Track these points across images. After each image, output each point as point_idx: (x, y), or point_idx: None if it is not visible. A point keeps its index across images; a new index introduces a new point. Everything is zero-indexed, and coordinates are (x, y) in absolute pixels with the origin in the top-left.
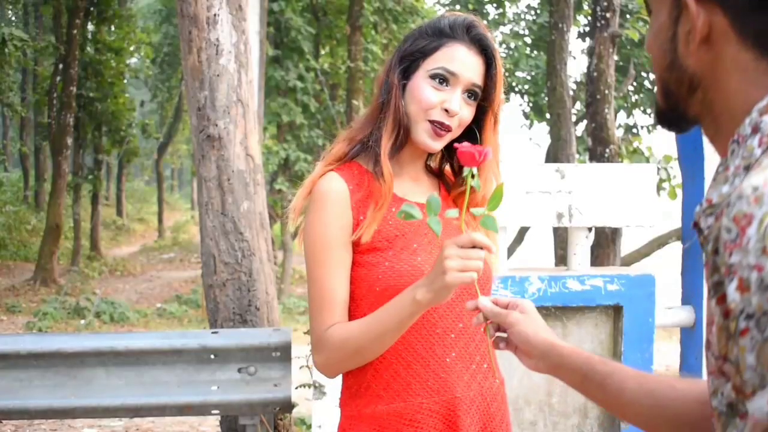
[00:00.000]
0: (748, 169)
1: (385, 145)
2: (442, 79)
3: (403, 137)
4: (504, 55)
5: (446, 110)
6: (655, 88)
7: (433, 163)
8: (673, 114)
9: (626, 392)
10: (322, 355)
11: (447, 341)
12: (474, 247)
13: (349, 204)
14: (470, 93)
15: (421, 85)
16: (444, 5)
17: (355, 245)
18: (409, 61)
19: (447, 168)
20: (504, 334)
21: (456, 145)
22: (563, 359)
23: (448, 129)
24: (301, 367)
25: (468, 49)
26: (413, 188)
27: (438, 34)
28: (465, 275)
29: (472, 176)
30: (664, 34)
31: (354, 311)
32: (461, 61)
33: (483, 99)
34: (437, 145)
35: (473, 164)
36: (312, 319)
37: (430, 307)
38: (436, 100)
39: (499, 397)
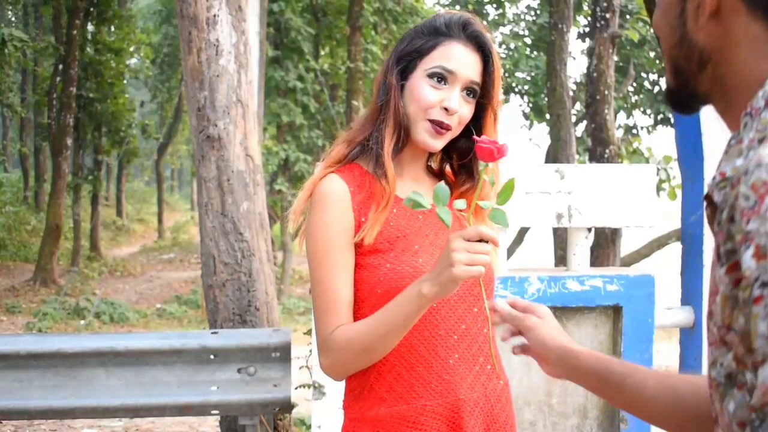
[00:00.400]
0: (762, 141)
1: (388, 146)
2: (440, 77)
3: (404, 138)
4: (504, 55)
5: (446, 109)
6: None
7: (434, 164)
8: (684, 91)
9: (647, 390)
10: (329, 357)
11: (450, 343)
12: (480, 240)
13: (350, 205)
14: (469, 90)
15: (420, 85)
16: (444, 6)
17: (357, 247)
18: (406, 62)
19: (447, 168)
20: (522, 339)
21: (475, 137)
22: (580, 362)
23: (447, 128)
24: (300, 368)
25: (465, 46)
26: (414, 189)
27: (434, 33)
28: (473, 269)
29: (487, 171)
30: (673, 10)
31: (356, 314)
32: (458, 59)
33: (481, 96)
34: (438, 144)
35: (491, 159)
36: (317, 321)
37: (436, 300)
38: (435, 99)
39: (503, 398)
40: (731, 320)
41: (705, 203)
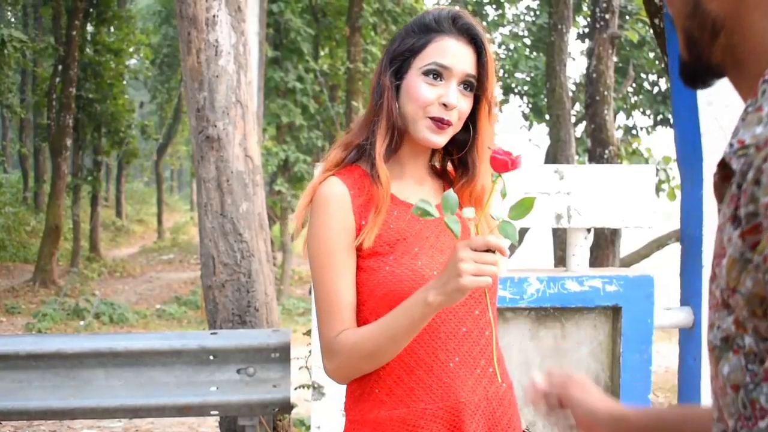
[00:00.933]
0: None
1: (380, 148)
2: (436, 74)
3: (398, 139)
4: (503, 56)
5: (444, 105)
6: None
7: (437, 163)
8: (697, 64)
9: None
10: (334, 361)
11: (450, 346)
12: (488, 250)
13: (350, 208)
14: (465, 84)
15: (416, 83)
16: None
17: (358, 250)
18: (400, 61)
19: (449, 167)
20: (567, 414)
21: (490, 147)
22: (631, 424)
23: (448, 123)
24: (300, 368)
25: (457, 40)
26: (416, 190)
27: (425, 30)
28: (480, 279)
29: (497, 182)
30: None
31: (357, 317)
32: (452, 53)
33: (477, 89)
34: (441, 139)
35: (504, 170)
36: (321, 324)
37: (442, 308)
38: (433, 96)
39: (506, 401)
40: (737, 283)
41: (717, 170)
